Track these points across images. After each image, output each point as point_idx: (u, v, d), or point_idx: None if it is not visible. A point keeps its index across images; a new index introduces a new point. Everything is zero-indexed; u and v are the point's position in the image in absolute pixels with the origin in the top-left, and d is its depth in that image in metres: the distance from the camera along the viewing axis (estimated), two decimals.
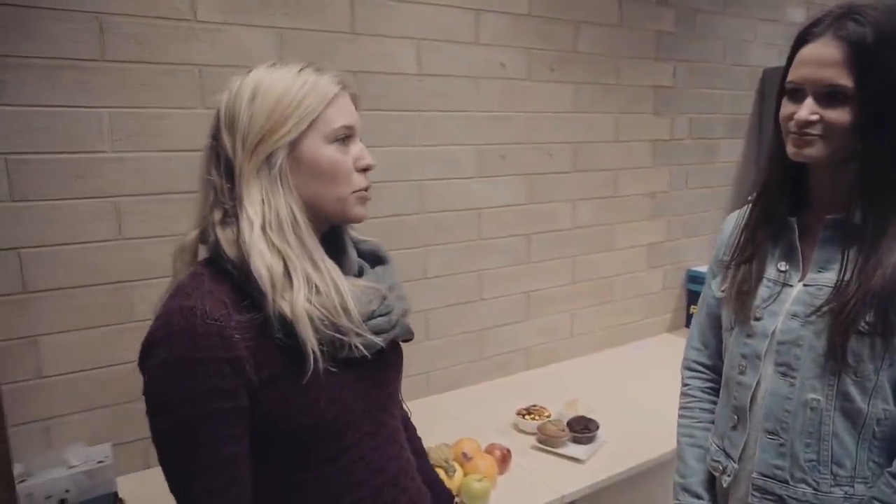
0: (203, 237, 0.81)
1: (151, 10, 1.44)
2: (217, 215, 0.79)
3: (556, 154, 2.19)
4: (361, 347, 0.80)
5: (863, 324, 0.91)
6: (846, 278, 0.94)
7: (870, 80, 0.88)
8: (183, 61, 1.50)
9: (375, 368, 0.86)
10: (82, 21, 1.37)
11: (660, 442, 1.64)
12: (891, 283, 0.89)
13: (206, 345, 0.71)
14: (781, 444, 0.99)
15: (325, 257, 0.81)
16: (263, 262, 0.75)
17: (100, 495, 1.35)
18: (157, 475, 1.54)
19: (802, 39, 0.95)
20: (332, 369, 0.78)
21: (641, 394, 2.00)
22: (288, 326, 0.75)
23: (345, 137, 0.83)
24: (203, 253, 0.83)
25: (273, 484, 0.80)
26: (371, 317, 0.84)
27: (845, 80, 0.89)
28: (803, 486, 0.97)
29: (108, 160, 1.44)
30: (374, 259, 0.96)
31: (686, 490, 1.16)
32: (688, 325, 2.67)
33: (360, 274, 0.91)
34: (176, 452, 0.74)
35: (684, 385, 1.24)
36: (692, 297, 2.66)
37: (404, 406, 1.03)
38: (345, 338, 0.78)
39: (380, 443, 0.89)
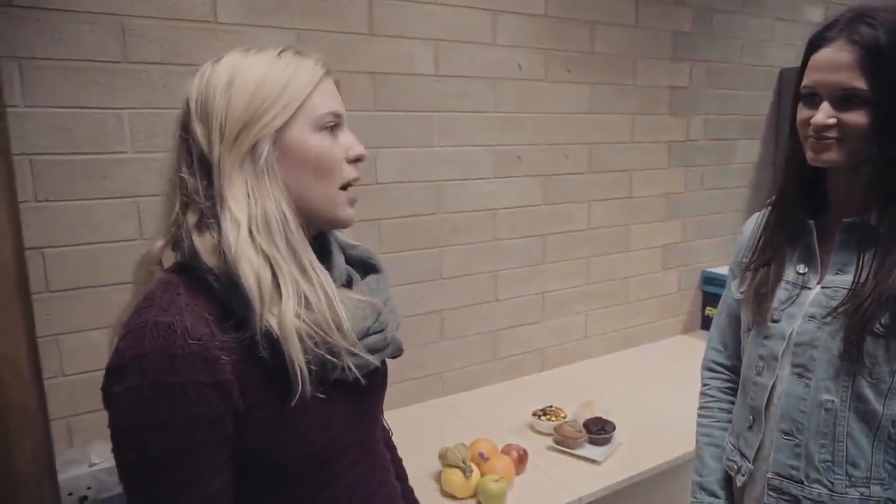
0: (174, 243, 0.71)
1: (173, 11, 1.46)
2: (191, 219, 0.69)
3: (571, 155, 2.19)
4: (355, 369, 0.72)
5: (878, 325, 0.91)
6: (862, 280, 0.94)
7: (884, 82, 0.88)
8: (204, 62, 1.50)
9: (365, 390, 0.77)
10: (105, 23, 1.38)
11: (676, 444, 1.64)
12: None
13: (187, 368, 0.62)
14: (797, 445, 0.99)
15: (317, 263, 0.72)
16: (252, 270, 0.66)
17: (120, 492, 1.36)
18: None
19: (815, 44, 0.95)
20: (321, 395, 0.69)
21: (657, 395, 1.99)
22: (275, 344, 0.66)
23: (333, 126, 0.75)
24: (170, 259, 0.74)
25: None
26: (366, 334, 0.76)
27: (860, 83, 0.89)
28: (818, 486, 0.98)
29: (129, 160, 1.45)
30: (365, 267, 0.87)
31: (703, 488, 1.17)
32: (703, 326, 2.67)
33: (348, 284, 0.81)
34: (154, 492, 0.64)
35: (704, 385, 1.25)
36: (707, 299, 2.64)
37: (386, 425, 0.96)
38: (337, 359, 0.70)
39: (367, 469, 0.83)
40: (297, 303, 0.67)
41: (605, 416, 1.73)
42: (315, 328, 0.68)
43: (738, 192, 2.74)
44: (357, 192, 0.79)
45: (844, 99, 0.91)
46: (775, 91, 2.76)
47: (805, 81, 0.96)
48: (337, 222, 0.78)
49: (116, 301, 1.48)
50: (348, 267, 0.84)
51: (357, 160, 0.77)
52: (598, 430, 1.67)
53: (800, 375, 1.00)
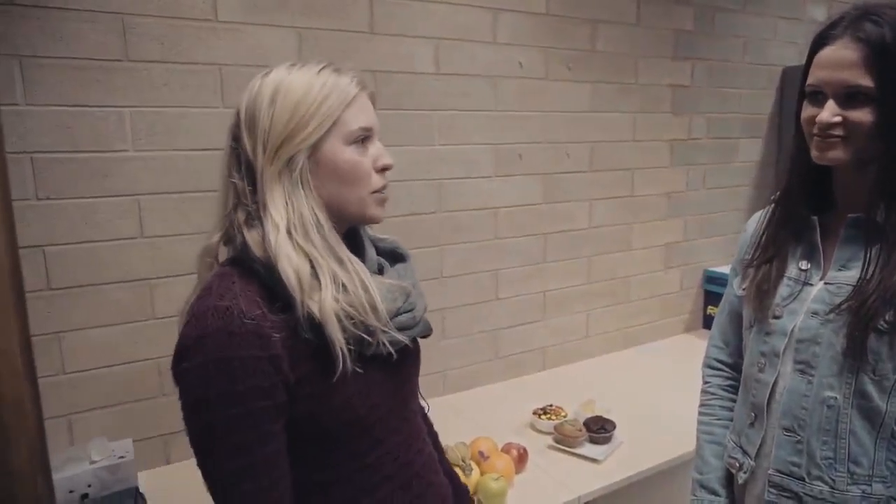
0: (227, 238, 0.81)
1: (173, 10, 1.46)
2: (241, 216, 0.79)
3: (572, 153, 2.19)
4: (388, 345, 0.81)
5: (882, 322, 0.91)
6: (868, 276, 0.93)
7: (889, 79, 0.88)
8: (204, 61, 1.51)
9: (399, 365, 0.87)
10: (106, 22, 1.39)
11: (676, 444, 1.63)
12: None
13: (244, 344, 0.71)
14: (798, 442, 0.99)
15: (351, 255, 0.82)
16: (291, 265, 0.75)
17: (121, 490, 1.37)
18: (177, 470, 1.57)
19: (820, 42, 0.95)
20: (359, 369, 0.78)
21: (658, 395, 1.99)
22: (317, 327, 0.75)
23: (364, 139, 0.83)
24: (224, 254, 0.83)
25: (305, 481, 0.81)
26: (397, 314, 0.84)
27: (865, 81, 0.88)
28: (820, 483, 0.97)
29: (130, 159, 1.46)
30: (393, 257, 0.97)
31: (703, 486, 1.17)
32: (705, 325, 2.66)
33: (380, 272, 0.91)
34: (220, 454, 0.73)
35: (705, 383, 1.25)
36: (710, 298, 2.64)
37: (423, 401, 1.04)
38: (372, 337, 0.79)
39: (405, 437, 0.91)
40: (335, 289, 0.77)
41: (605, 416, 1.73)
42: (353, 309, 0.77)
43: (739, 190, 2.73)
44: (388, 192, 0.87)
45: (849, 97, 0.90)
46: (778, 89, 2.75)
47: (810, 80, 0.96)
48: (365, 220, 0.87)
49: (117, 299, 1.48)
50: (379, 257, 0.93)
51: (384, 169, 0.85)
52: (599, 430, 1.67)
53: (802, 372, 0.99)
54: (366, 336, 0.78)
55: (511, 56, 1.99)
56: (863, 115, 0.90)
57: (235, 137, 0.81)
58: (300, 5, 1.62)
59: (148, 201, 1.49)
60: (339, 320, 0.76)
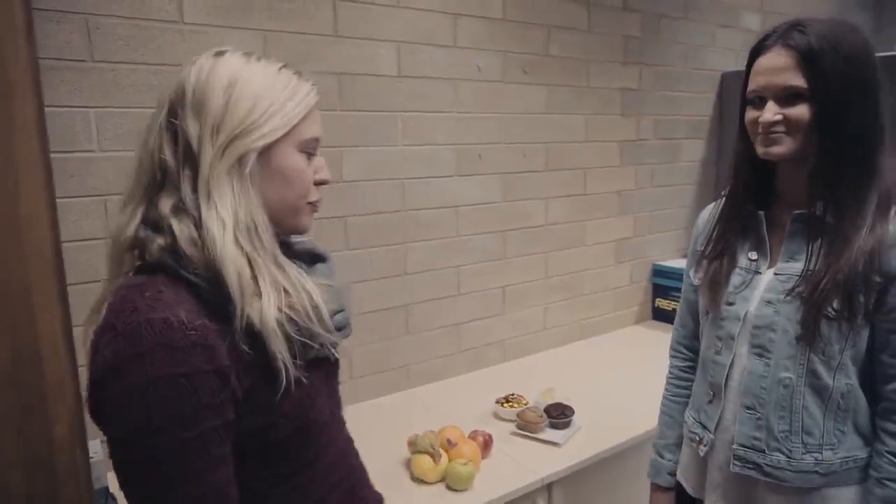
0: (150, 226, 0.72)
1: (139, 11, 1.47)
2: (167, 203, 0.71)
3: (529, 153, 2.28)
4: (330, 347, 0.79)
5: (830, 309, 1.01)
6: (813, 267, 1.04)
7: (820, 80, 0.98)
8: (170, 62, 1.52)
9: (331, 366, 0.85)
10: (72, 22, 1.38)
11: (630, 426, 1.73)
12: (854, 269, 0.99)
13: (189, 358, 0.64)
14: (759, 418, 1.09)
15: (286, 259, 0.78)
16: (234, 267, 0.69)
17: (103, 486, 1.37)
18: None
19: (756, 53, 1.07)
20: (304, 379, 0.75)
21: (612, 382, 2.10)
22: (255, 337, 0.70)
23: (312, 149, 0.81)
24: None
25: (249, 497, 0.74)
26: (332, 314, 0.81)
27: (799, 82, 0.99)
28: (778, 454, 1.08)
29: (96, 159, 1.46)
30: (311, 258, 0.92)
31: (657, 452, 1.34)
32: (654, 317, 2.80)
33: None
34: (164, 488, 0.65)
35: (669, 365, 1.38)
36: (657, 291, 2.78)
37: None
38: (314, 341, 0.76)
39: (344, 443, 0.89)
40: (276, 296, 0.71)
41: (564, 402, 1.82)
42: (295, 314, 0.73)
43: (685, 188, 2.88)
44: (321, 196, 0.85)
45: (787, 97, 1.01)
46: (717, 94, 2.92)
47: (751, 87, 1.06)
48: (298, 228, 0.83)
49: (84, 300, 1.47)
50: (296, 260, 0.87)
51: (323, 183, 0.84)
52: (559, 415, 1.76)
53: (759, 355, 1.09)
54: (309, 341, 0.75)
55: (470, 60, 2.06)
56: (801, 112, 1.00)
57: (173, 112, 0.73)
58: (265, 8, 1.65)
59: (115, 202, 1.49)
60: (282, 326, 0.72)
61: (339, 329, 0.83)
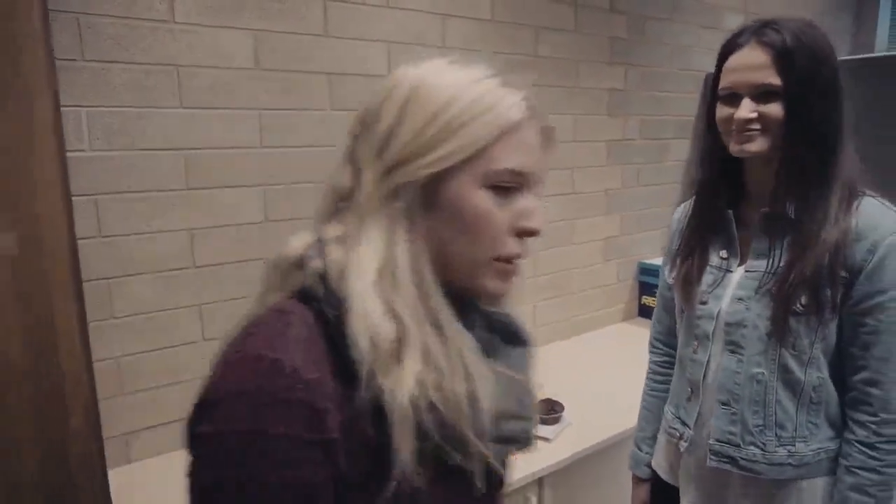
0: (316, 249, 0.60)
1: (130, 10, 1.47)
2: (336, 228, 0.60)
3: None
4: (477, 461, 0.57)
5: (798, 305, 1.03)
6: (780, 264, 1.05)
7: (794, 78, 0.99)
8: (161, 61, 1.52)
9: (470, 485, 0.59)
10: (63, 21, 1.38)
11: (619, 422, 1.76)
12: (820, 264, 1.01)
13: (288, 417, 0.50)
14: (734, 413, 1.11)
15: (455, 321, 0.59)
16: (366, 322, 0.54)
17: None
18: (140, 469, 1.57)
19: (728, 49, 1.07)
20: (422, 489, 0.55)
21: (601, 378, 2.12)
22: (380, 416, 0.53)
23: (510, 187, 0.60)
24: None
25: None
26: (502, 417, 0.61)
27: (774, 79, 1.00)
28: (753, 447, 1.10)
29: (87, 159, 1.45)
30: (508, 336, 0.71)
31: (636, 444, 1.38)
32: (640, 314, 2.84)
33: (487, 355, 0.63)
34: None
35: (649, 361, 1.40)
36: (644, 289, 2.82)
37: None
38: (457, 449, 0.56)
39: None
40: (425, 369, 0.55)
41: (554, 398, 1.84)
42: (443, 403, 0.55)
43: (671, 187, 2.91)
44: (522, 251, 0.63)
45: (762, 94, 1.02)
46: (701, 94, 2.96)
47: (723, 83, 1.07)
48: (475, 291, 0.63)
49: None
50: (491, 334, 0.69)
51: (527, 233, 0.62)
52: (549, 411, 1.78)
53: (732, 352, 1.11)
54: (448, 446, 0.55)
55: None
56: (775, 109, 1.01)
57: (353, 134, 0.64)
58: (256, 8, 1.65)
59: (105, 201, 1.49)
60: (418, 412, 0.54)
61: (505, 441, 0.63)
